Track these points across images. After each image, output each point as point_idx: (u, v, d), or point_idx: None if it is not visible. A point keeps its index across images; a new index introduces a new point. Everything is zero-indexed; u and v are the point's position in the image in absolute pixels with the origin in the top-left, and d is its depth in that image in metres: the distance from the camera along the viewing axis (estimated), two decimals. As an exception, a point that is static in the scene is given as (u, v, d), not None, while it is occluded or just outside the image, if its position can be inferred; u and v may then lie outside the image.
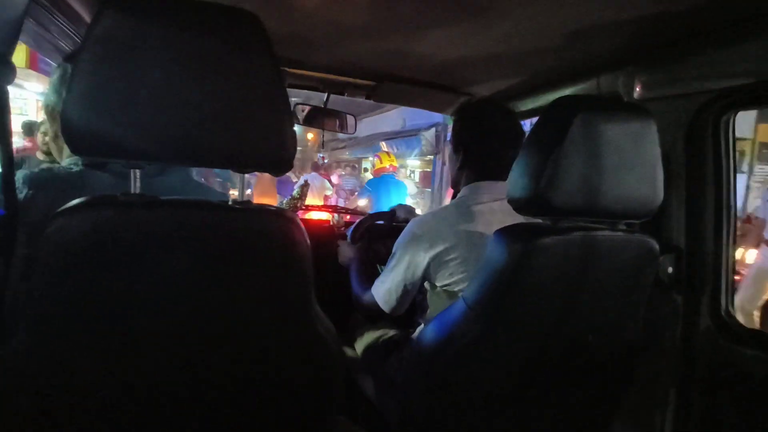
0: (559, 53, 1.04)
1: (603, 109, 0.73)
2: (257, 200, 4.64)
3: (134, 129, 0.50)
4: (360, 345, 1.33)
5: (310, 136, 9.92)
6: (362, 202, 4.12)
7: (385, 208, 4.20)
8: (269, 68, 0.55)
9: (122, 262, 0.53)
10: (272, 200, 4.73)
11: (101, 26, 0.49)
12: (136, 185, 0.56)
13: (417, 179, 7.89)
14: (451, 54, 1.13)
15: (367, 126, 9.41)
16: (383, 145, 9.55)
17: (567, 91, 1.19)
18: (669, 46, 0.92)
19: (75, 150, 0.51)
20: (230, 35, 0.53)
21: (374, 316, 1.17)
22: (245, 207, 0.59)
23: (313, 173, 5.32)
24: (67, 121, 0.49)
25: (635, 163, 0.73)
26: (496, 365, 0.78)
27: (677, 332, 1.02)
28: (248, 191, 5.07)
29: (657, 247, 0.81)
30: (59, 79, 0.79)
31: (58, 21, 0.89)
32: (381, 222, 1.65)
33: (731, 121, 0.97)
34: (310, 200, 3.59)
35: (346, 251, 1.47)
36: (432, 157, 7.88)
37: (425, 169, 8.75)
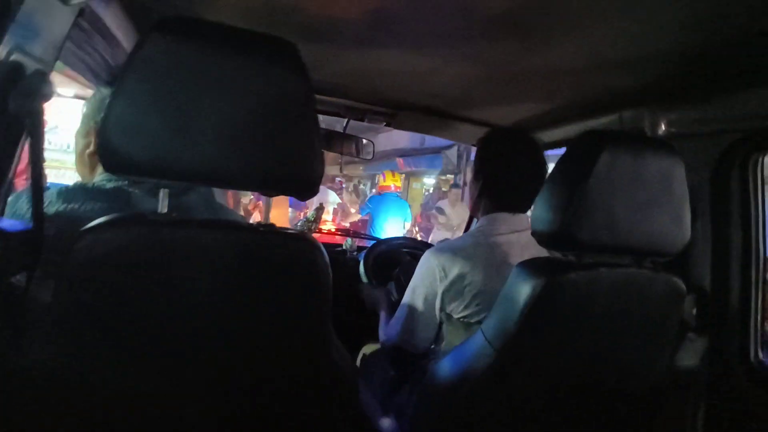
0: (582, 87, 1.06)
1: (630, 146, 0.74)
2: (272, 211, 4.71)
3: (169, 150, 0.53)
4: (368, 373, 1.34)
5: (326, 149, 10.03)
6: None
7: (385, 225, 4.19)
8: (304, 95, 0.58)
9: (149, 280, 0.55)
10: (284, 211, 4.81)
11: (143, 52, 0.52)
12: (164, 204, 0.59)
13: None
14: (472, 84, 1.16)
15: (383, 141, 9.50)
16: (400, 162, 9.61)
17: (588, 125, 1.20)
18: (697, 84, 0.93)
19: (109, 168, 0.54)
20: (268, 62, 0.56)
21: (398, 359, 1.16)
22: (271, 230, 0.61)
23: (321, 186, 5.39)
24: (103, 140, 0.52)
25: (662, 201, 0.74)
26: (515, 402, 0.78)
27: (702, 375, 1.00)
28: (250, 197, 5.15)
29: (683, 286, 0.80)
30: (103, 100, 0.85)
31: (97, 45, 0.95)
32: (404, 249, 1.66)
33: (760, 162, 0.97)
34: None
35: (373, 296, 1.46)
36: (452, 176, 7.87)
37: (443, 189, 8.76)
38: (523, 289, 0.72)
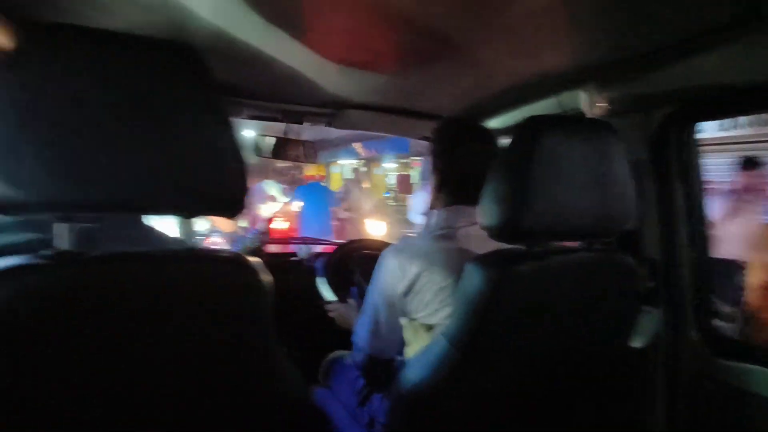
0: (520, 73, 1.11)
1: (569, 129, 0.79)
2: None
3: (53, 180, 0.49)
4: (336, 385, 1.38)
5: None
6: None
7: (315, 213, 4.89)
8: (211, 105, 0.56)
9: (53, 333, 0.51)
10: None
11: (12, 62, 0.48)
12: (65, 239, 0.54)
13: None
14: (411, 75, 1.19)
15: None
16: (357, 147, 9.58)
17: (528, 110, 1.27)
18: (628, 61, 1.00)
19: None
20: (164, 70, 0.54)
21: (370, 367, 1.16)
22: (196, 255, 0.60)
23: (265, 180, 5.69)
24: None
25: (605, 180, 0.79)
26: (485, 398, 0.82)
27: (661, 346, 1.10)
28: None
29: (633, 262, 0.87)
30: None
31: None
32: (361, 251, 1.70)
33: (692, 132, 1.07)
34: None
35: (342, 313, 1.45)
36: (419, 158, 7.89)
37: (402, 173, 8.80)
38: (476, 286, 0.75)
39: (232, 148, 0.58)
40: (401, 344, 1.12)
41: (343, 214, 5.94)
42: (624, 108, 1.06)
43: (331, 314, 1.49)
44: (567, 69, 1.07)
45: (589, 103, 1.08)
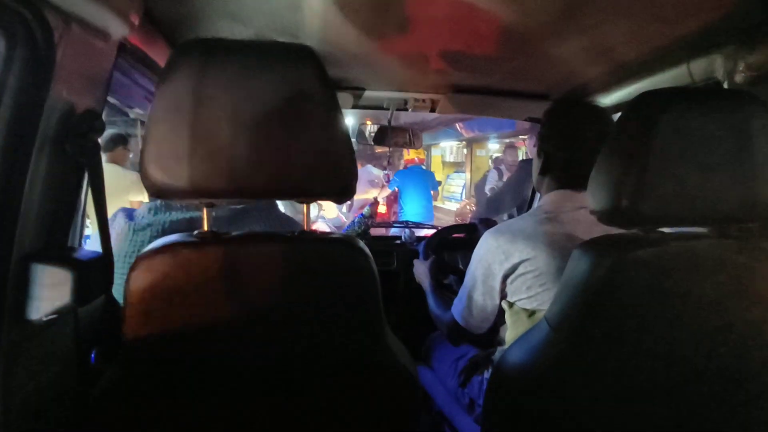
0: (644, 41, 1.02)
1: (699, 101, 0.72)
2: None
3: (203, 170, 0.61)
4: (438, 365, 1.43)
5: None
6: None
7: (415, 197, 4.86)
8: (326, 99, 0.64)
9: (200, 297, 0.64)
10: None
11: (168, 78, 0.60)
12: (207, 221, 0.68)
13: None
14: (518, 54, 1.17)
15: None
16: (459, 127, 9.45)
17: (652, 81, 1.16)
18: None
19: (152, 193, 0.62)
20: (288, 70, 0.63)
21: (457, 336, 1.25)
22: (311, 237, 0.69)
23: (368, 165, 5.80)
24: (143, 167, 0.60)
25: (747, 159, 0.72)
26: (588, 390, 0.79)
27: None
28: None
29: None
30: None
31: (142, 72, 1.09)
32: (459, 235, 1.73)
33: None
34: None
35: (419, 269, 1.57)
36: (525, 137, 7.51)
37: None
38: (584, 272, 0.73)
39: (343, 138, 0.66)
40: (491, 322, 1.16)
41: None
42: None
43: (414, 268, 1.62)
44: (702, 31, 0.96)
45: (728, 69, 0.97)
